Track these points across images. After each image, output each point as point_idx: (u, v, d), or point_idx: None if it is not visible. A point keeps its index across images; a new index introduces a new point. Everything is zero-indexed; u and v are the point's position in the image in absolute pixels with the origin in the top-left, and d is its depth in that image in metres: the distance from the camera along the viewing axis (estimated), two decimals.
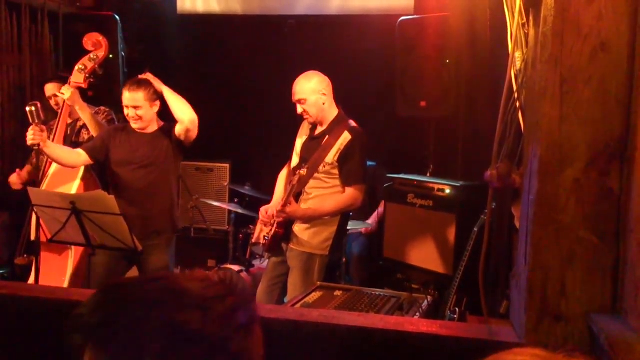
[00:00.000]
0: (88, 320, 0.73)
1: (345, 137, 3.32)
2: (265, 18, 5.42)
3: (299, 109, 3.37)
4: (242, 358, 0.76)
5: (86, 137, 3.84)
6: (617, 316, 1.50)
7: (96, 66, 3.60)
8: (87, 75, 3.58)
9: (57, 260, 3.47)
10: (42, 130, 3.19)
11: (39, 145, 3.18)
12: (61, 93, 3.58)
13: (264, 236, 3.57)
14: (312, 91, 3.32)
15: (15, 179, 3.91)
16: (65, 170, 3.50)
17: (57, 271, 3.45)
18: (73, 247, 3.41)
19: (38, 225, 3.23)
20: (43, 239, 3.31)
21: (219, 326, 0.75)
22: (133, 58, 4.96)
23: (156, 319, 0.72)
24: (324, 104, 3.35)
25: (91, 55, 3.60)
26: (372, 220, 4.55)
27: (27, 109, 3.21)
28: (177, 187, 3.65)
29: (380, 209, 4.32)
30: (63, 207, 2.94)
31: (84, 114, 3.65)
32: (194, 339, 0.73)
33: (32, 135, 3.17)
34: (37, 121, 3.18)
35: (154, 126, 3.50)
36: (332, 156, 3.31)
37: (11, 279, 3.96)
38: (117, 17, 4.76)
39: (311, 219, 3.34)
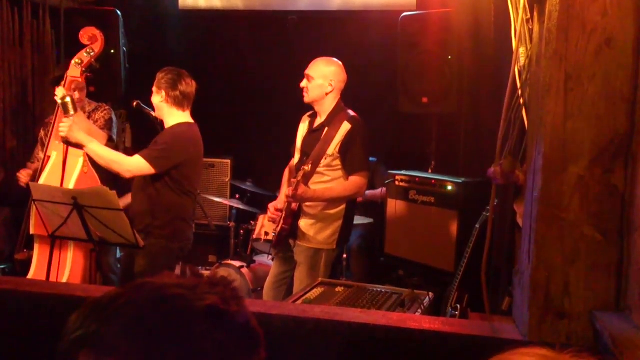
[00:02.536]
0: (83, 330, 0.73)
1: (345, 127, 3.32)
2: (266, 13, 5.41)
3: (303, 83, 3.38)
4: None
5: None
6: (621, 314, 1.49)
7: (93, 60, 3.58)
8: (83, 69, 3.56)
9: (55, 255, 3.46)
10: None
11: (66, 138, 3.21)
12: (61, 130, 3.56)
13: (266, 232, 3.56)
14: (323, 76, 3.34)
15: (23, 174, 3.88)
16: (62, 165, 3.48)
17: (55, 266, 3.43)
18: (71, 242, 3.40)
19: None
20: (42, 232, 3.31)
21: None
22: (135, 53, 4.95)
23: (145, 327, 0.73)
24: (327, 93, 3.35)
25: (87, 49, 3.58)
26: (369, 196, 4.43)
27: (60, 100, 3.26)
28: (165, 192, 3.33)
29: (382, 192, 4.23)
30: (65, 202, 2.94)
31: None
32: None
33: (61, 128, 3.21)
34: (69, 113, 3.22)
35: (170, 119, 3.41)
36: (333, 148, 3.31)
37: (11, 274, 3.96)
38: (118, 12, 4.75)
39: (320, 200, 3.34)
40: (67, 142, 3.29)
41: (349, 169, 3.32)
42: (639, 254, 1.41)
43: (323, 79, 3.33)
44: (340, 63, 3.44)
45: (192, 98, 3.45)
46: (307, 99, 3.40)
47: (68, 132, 3.20)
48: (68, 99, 3.24)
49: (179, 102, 3.37)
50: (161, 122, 3.47)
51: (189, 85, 3.41)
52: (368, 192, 4.46)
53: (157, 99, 3.38)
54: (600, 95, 1.50)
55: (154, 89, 3.39)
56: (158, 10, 5.46)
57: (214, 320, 0.75)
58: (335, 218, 3.37)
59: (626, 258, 1.49)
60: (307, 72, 3.37)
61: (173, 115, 3.39)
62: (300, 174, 3.24)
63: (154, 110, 3.50)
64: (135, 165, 3.24)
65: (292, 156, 3.63)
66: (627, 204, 1.49)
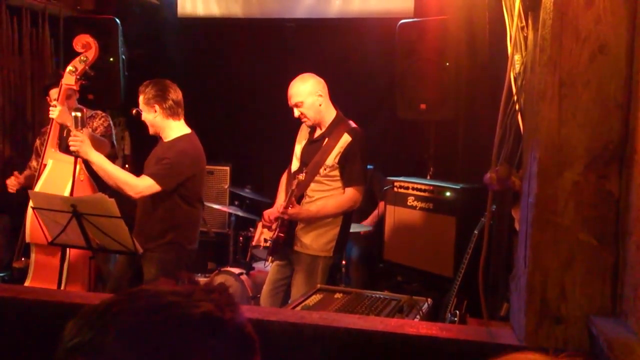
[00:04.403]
0: (79, 339, 0.74)
1: (345, 139, 3.32)
2: (265, 21, 5.43)
3: (296, 113, 3.35)
4: None
5: None
6: (616, 318, 1.50)
7: (87, 67, 3.58)
8: (78, 77, 3.57)
9: (52, 262, 3.46)
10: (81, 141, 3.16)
11: (78, 152, 3.17)
12: (51, 112, 3.56)
13: (265, 239, 3.57)
14: (308, 93, 3.31)
15: (12, 182, 3.90)
16: (58, 172, 3.49)
17: (52, 274, 3.44)
18: (68, 249, 3.41)
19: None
20: (39, 240, 3.31)
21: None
22: (134, 61, 4.97)
23: (143, 334, 0.73)
24: (320, 105, 3.34)
25: (81, 56, 3.58)
26: (370, 221, 4.55)
27: (73, 114, 3.22)
28: (175, 208, 3.31)
29: (379, 209, 4.33)
30: (64, 210, 2.94)
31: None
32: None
33: (73, 142, 3.16)
34: (79, 127, 3.19)
35: (169, 133, 3.36)
36: (332, 158, 3.31)
37: (10, 282, 3.96)
38: (117, 20, 4.77)
39: (313, 220, 3.35)
40: (77, 156, 3.26)
41: (346, 181, 3.33)
42: (634, 258, 1.42)
43: (309, 96, 3.31)
44: (309, 73, 3.41)
45: (182, 104, 3.39)
46: (309, 123, 3.39)
47: (80, 147, 3.17)
48: (79, 114, 3.21)
49: (173, 111, 3.31)
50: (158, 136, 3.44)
51: (177, 92, 3.36)
52: (371, 219, 4.51)
53: (150, 116, 3.31)
54: (595, 101, 1.52)
55: (143, 107, 3.31)
56: (157, 18, 5.48)
57: (208, 328, 0.75)
58: (332, 226, 3.38)
59: (621, 263, 1.50)
60: (292, 103, 3.33)
61: (171, 128, 3.34)
62: (295, 182, 3.25)
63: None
64: (144, 186, 3.19)
65: (291, 163, 3.64)
66: (621, 209, 1.50)
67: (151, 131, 3.40)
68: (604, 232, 1.52)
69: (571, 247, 1.53)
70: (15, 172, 3.99)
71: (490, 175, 1.79)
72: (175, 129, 3.35)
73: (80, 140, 3.16)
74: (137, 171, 3.37)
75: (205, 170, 3.52)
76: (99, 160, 3.20)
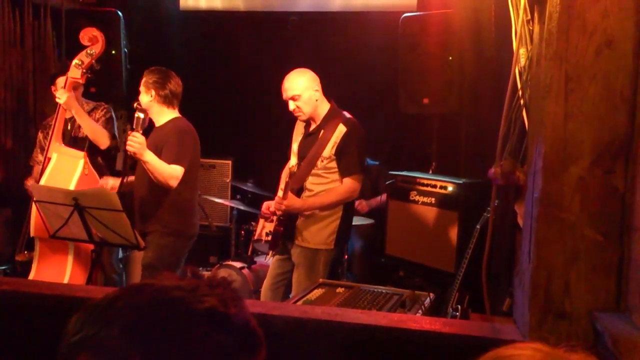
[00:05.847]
0: (83, 334, 0.73)
1: (341, 129, 3.32)
2: (267, 14, 5.41)
3: (291, 106, 3.34)
4: None
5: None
6: (621, 314, 1.49)
7: (93, 61, 3.58)
8: (84, 70, 3.56)
9: (56, 256, 3.47)
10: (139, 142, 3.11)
11: (134, 154, 3.13)
12: (57, 97, 3.56)
13: (266, 233, 3.56)
14: (306, 87, 3.31)
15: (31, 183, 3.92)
16: (63, 166, 3.49)
17: (56, 267, 3.44)
18: (72, 242, 3.41)
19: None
20: (43, 234, 3.31)
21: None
22: (136, 54, 4.95)
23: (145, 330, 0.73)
24: (316, 100, 3.35)
25: (88, 50, 3.57)
26: (371, 203, 4.54)
27: (136, 114, 3.19)
28: (174, 191, 3.34)
29: (382, 198, 4.31)
30: (66, 204, 2.94)
31: (80, 117, 3.66)
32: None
33: (131, 143, 3.10)
34: (139, 128, 3.15)
35: (160, 118, 3.47)
36: (329, 150, 3.31)
37: (12, 275, 3.96)
38: (119, 13, 4.76)
39: (310, 211, 3.34)
40: (132, 156, 3.22)
41: (343, 172, 3.32)
42: (639, 254, 1.41)
43: (307, 90, 3.31)
44: (303, 68, 3.42)
45: (180, 97, 3.51)
46: (303, 117, 3.39)
47: (138, 149, 3.12)
48: (141, 115, 3.19)
49: (168, 100, 3.44)
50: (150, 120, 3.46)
51: (177, 85, 3.47)
52: (373, 201, 4.51)
53: (146, 98, 3.42)
54: (601, 96, 1.51)
55: (142, 88, 3.43)
56: (159, 11, 5.46)
57: (213, 323, 0.75)
58: (332, 218, 3.37)
59: (626, 258, 1.49)
60: (288, 96, 3.33)
61: (163, 114, 3.46)
62: (288, 174, 3.28)
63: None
64: (178, 174, 3.28)
65: (289, 159, 3.63)
66: (627, 205, 1.49)
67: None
68: (609, 227, 1.52)
69: (576, 243, 1.53)
70: (31, 178, 4.01)
71: (495, 170, 1.78)
72: (167, 114, 3.47)
73: (139, 142, 3.12)
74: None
75: (199, 152, 3.55)
76: (153, 159, 3.21)
